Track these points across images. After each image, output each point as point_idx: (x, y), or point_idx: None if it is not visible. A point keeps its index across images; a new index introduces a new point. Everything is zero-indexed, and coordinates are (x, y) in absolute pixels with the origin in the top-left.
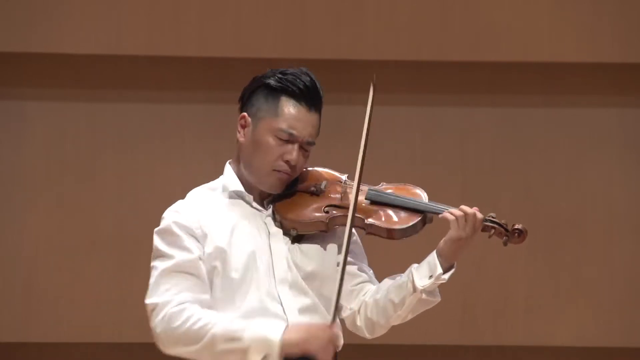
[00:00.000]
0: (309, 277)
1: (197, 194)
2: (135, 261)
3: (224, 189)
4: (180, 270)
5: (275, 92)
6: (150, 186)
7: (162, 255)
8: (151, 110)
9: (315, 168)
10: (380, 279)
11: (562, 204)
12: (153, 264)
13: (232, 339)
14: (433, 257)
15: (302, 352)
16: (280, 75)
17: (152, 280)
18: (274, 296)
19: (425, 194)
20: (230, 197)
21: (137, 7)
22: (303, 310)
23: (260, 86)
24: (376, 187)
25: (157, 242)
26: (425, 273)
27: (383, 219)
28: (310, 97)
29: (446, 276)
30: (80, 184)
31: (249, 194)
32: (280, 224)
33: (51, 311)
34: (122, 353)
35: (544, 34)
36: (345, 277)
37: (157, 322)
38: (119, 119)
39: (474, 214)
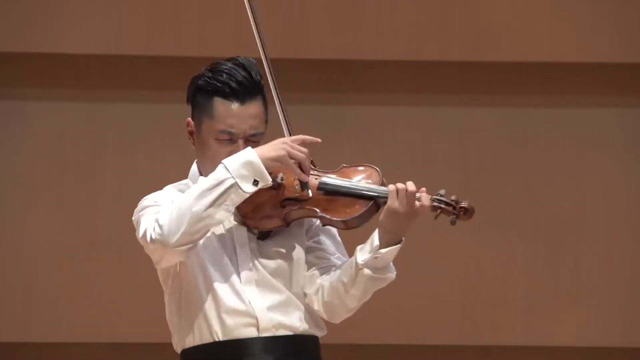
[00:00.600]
0: (276, 273)
1: (169, 190)
2: (135, 261)
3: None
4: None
5: (208, 94)
6: (150, 186)
7: (140, 216)
8: (151, 110)
9: None
10: None
11: (562, 204)
12: (140, 216)
13: (217, 184)
14: (373, 234)
15: (278, 160)
16: (209, 75)
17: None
18: (241, 297)
19: (380, 174)
20: None
21: (137, 7)
22: (273, 308)
23: (195, 89)
24: (328, 176)
25: (135, 216)
26: (367, 248)
27: (335, 210)
28: (242, 91)
29: (384, 250)
30: (80, 184)
31: None
32: (243, 223)
33: (51, 311)
34: (122, 353)
35: (544, 34)
36: (304, 264)
37: (152, 232)
38: (119, 119)
39: (405, 189)
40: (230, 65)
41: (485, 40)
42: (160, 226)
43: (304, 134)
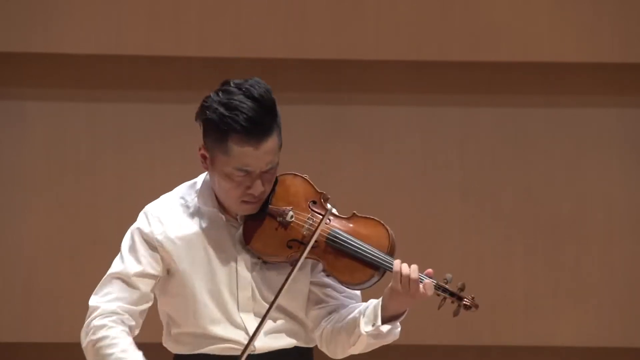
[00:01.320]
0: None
1: (171, 205)
2: None
3: (198, 204)
4: (125, 279)
5: (221, 130)
6: (150, 186)
7: (120, 256)
8: (151, 110)
9: (294, 180)
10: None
11: (562, 204)
12: (116, 258)
13: None
14: (378, 305)
15: None
16: (222, 111)
17: (105, 276)
18: (239, 324)
19: (390, 238)
20: (203, 212)
21: (137, 7)
22: (269, 332)
23: (207, 119)
24: (338, 227)
25: (124, 240)
26: (370, 319)
27: (339, 269)
28: (257, 129)
29: (385, 329)
30: (80, 184)
31: (222, 214)
32: (248, 248)
33: (51, 311)
34: None
35: (544, 34)
36: (314, 299)
37: (84, 326)
38: (119, 119)
39: (408, 276)
40: (241, 98)
41: (485, 40)
42: (87, 338)
43: (304, 134)
